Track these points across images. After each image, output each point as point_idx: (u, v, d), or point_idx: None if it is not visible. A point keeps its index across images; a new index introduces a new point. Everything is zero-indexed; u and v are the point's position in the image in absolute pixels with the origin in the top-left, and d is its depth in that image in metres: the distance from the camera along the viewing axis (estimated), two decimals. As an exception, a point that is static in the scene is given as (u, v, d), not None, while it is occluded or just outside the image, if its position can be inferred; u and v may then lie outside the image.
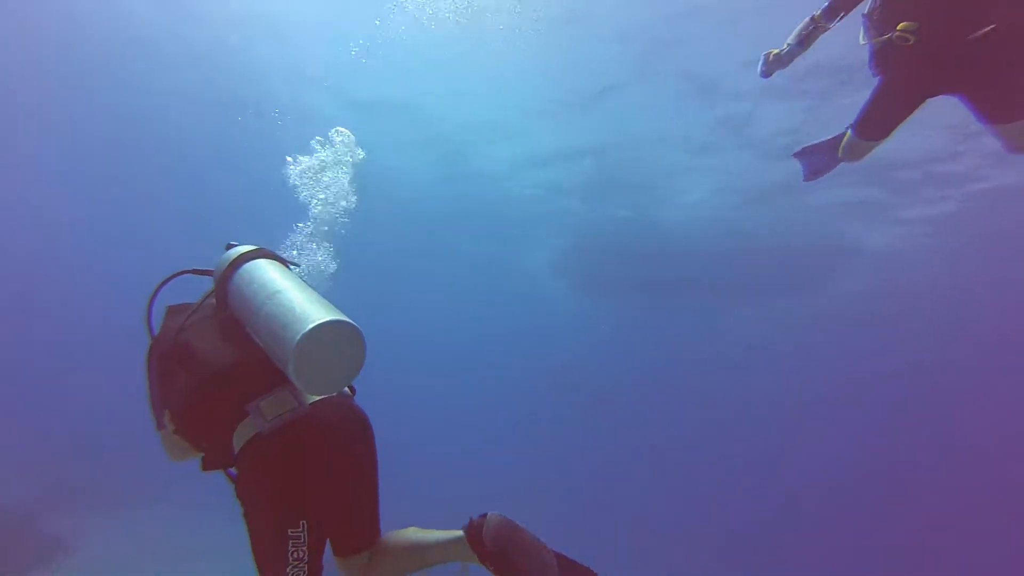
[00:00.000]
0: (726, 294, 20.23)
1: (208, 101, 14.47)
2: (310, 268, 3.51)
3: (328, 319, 1.70)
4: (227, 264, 2.06)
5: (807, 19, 3.11)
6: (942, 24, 2.57)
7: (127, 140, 16.91)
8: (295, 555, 1.75)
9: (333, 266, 3.63)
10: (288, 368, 1.68)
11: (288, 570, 1.75)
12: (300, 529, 1.77)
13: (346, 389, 2.09)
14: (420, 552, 1.98)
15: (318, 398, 1.92)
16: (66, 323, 23.00)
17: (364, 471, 2.02)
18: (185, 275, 2.26)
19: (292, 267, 2.18)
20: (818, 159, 3.81)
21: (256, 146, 15.44)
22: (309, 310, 1.74)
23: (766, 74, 3.32)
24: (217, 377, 1.88)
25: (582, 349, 26.06)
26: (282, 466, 1.80)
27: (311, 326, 1.67)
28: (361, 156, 4.11)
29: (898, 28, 2.63)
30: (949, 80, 2.77)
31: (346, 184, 3.90)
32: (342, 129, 4.01)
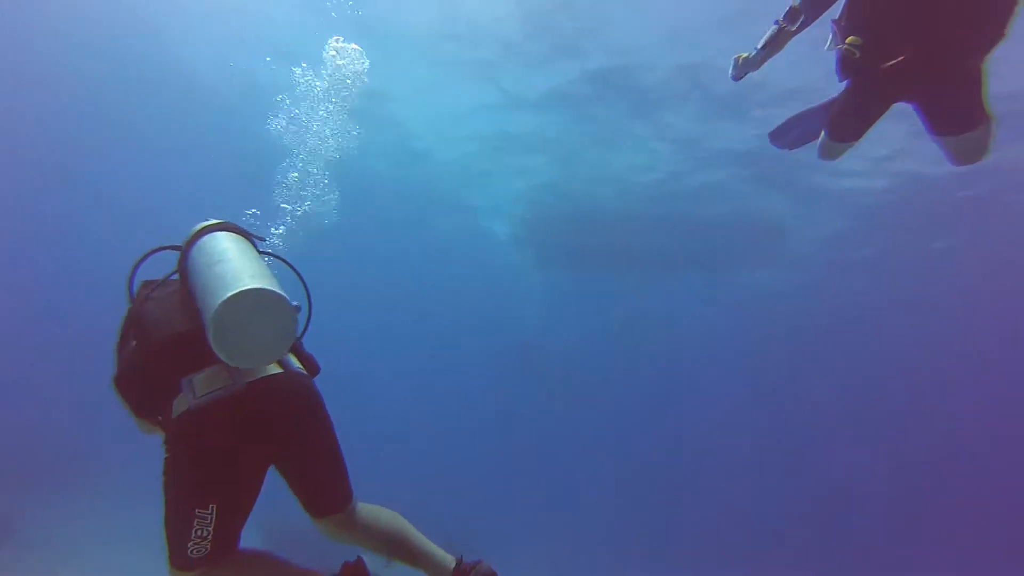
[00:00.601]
0: (693, 266, 20.39)
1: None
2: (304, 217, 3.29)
3: (249, 286, 1.59)
4: (189, 238, 2.05)
5: (774, 23, 3.17)
6: (872, 47, 2.78)
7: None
8: (199, 533, 1.76)
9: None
10: (208, 336, 1.59)
11: (189, 545, 1.76)
12: (208, 510, 1.77)
13: (296, 365, 2.03)
14: (405, 549, 2.09)
15: (258, 376, 1.87)
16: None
17: (311, 448, 2.01)
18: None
19: (256, 240, 2.15)
20: (806, 127, 3.80)
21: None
22: (238, 278, 1.64)
23: (737, 77, 3.38)
24: (157, 346, 1.86)
25: (548, 323, 26.16)
26: (199, 444, 1.79)
27: (230, 293, 1.58)
28: (366, 80, 3.76)
29: (846, 41, 2.83)
30: (899, 91, 2.95)
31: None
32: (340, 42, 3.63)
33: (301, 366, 2.07)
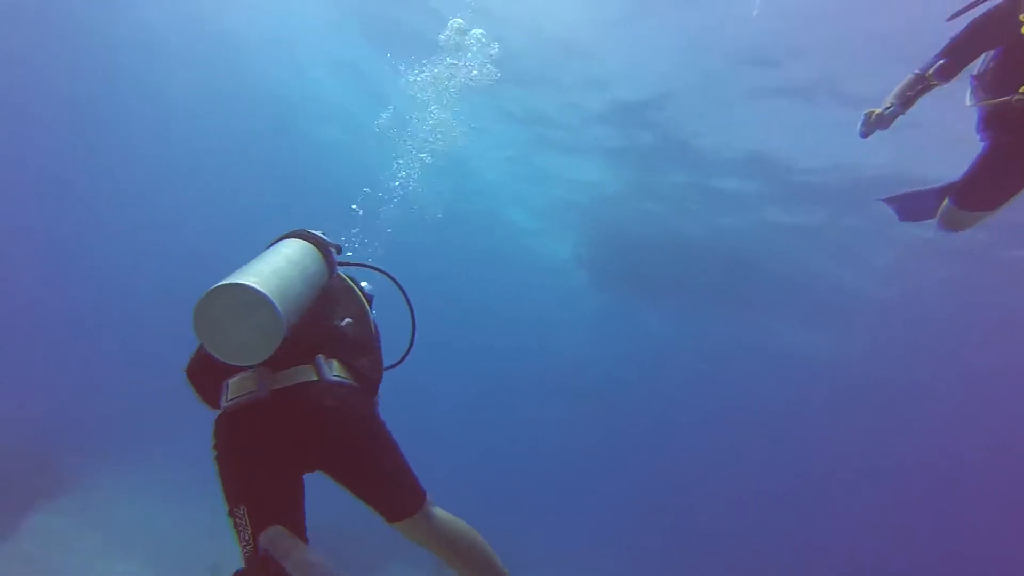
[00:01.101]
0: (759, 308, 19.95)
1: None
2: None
3: (225, 282, 1.55)
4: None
5: (911, 76, 2.82)
6: None
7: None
8: (242, 535, 1.75)
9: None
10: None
11: (242, 547, 1.76)
12: (240, 511, 1.75)
13: (336, 376, 1.93)
14: (473, 562, 2.01)
15: (288, 384, 1.84)
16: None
17: (350, 460, 1.92)
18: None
19: (331, 250, 2.11)
20: (915, 204, 3.53)
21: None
22: (233, 275, 1.62)
23: (865, 134, 3.07)
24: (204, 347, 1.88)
25: (600, 345, 25.91)
26: (225, 447, 1.81)
27: (211, 288, 1.55)
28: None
29: (1020, 91, 2.47)
30: None
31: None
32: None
33: (347, 376, 1.96)
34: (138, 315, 21.54)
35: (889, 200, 3.69)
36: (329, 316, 2.07)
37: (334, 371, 1.91)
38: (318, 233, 2.12)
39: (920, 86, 2.81)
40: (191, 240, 23.27)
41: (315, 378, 1.86)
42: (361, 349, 2.06)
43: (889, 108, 2.89)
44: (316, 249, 2.02)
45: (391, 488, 1.98)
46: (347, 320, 2.04)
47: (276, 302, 1.56)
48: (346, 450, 1.90)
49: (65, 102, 18.64)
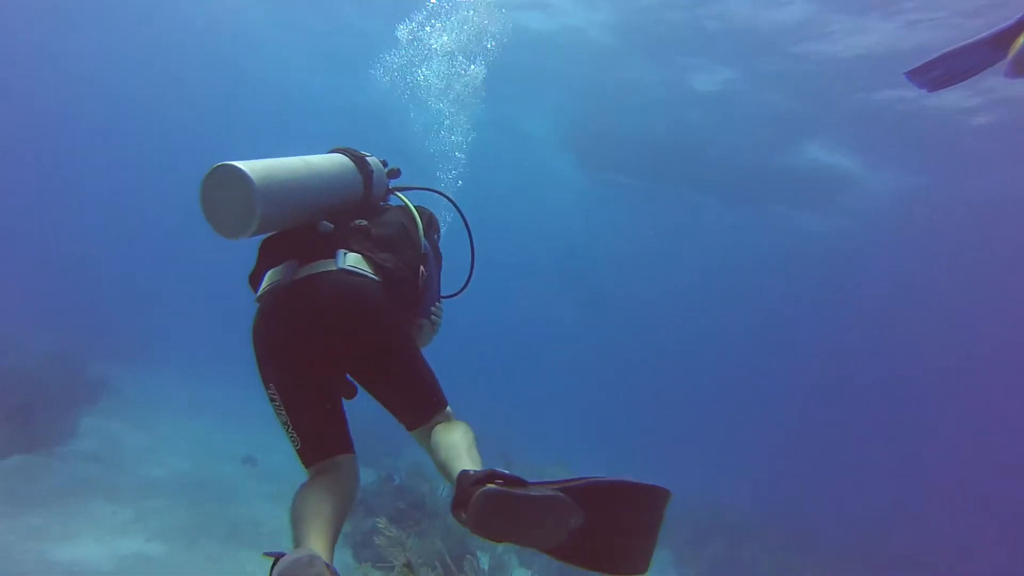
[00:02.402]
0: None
1: None
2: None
3: (219, 164, 1.69)
4: None
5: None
6: None
7: None
8: (281, 418, 1.86)
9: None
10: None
11: (289, 435, 1.87)
12: (272, 392, 1.85)
13: (352, 265, 1.91)
14: (448, 465, 1.70)
15: (308, 274, 1.89)
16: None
17: (365, 354, 1.91)
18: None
19: (365, 159, 2.23)
20: (960, 62, 3.21)
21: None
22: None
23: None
24: (270, 239, 2.03)
25: (589, 229, 26.08)
26: (256, 332, 1.89)
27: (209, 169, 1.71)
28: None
29: None
30: None
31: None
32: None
33: (366, 268, 1.94)
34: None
35: (921, 72, 3.21)
36: (381, 222, 2.14)
37: (349, 262, 1.92)
38: (363, 152, 2.26)
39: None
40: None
41: (332, 268, 1.89)
42: (385, 245, 2.05)
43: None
44: (351, 161, 2.16)
45: (406, 389, 1.93)
46: (364, 221, 2.07)
47: (255, 180, 1.67)
48: (359, 343, 1.88)
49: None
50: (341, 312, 1.84)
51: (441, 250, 2.53)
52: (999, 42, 2.91)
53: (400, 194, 2.43)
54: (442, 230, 2.64)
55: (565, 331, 29.11)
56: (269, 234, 1.98)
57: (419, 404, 1.94)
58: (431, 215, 2.44)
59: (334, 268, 1.88)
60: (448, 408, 1.98)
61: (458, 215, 2.65)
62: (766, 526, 11.05)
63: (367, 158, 2.25)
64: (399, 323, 2.00)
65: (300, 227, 1.96)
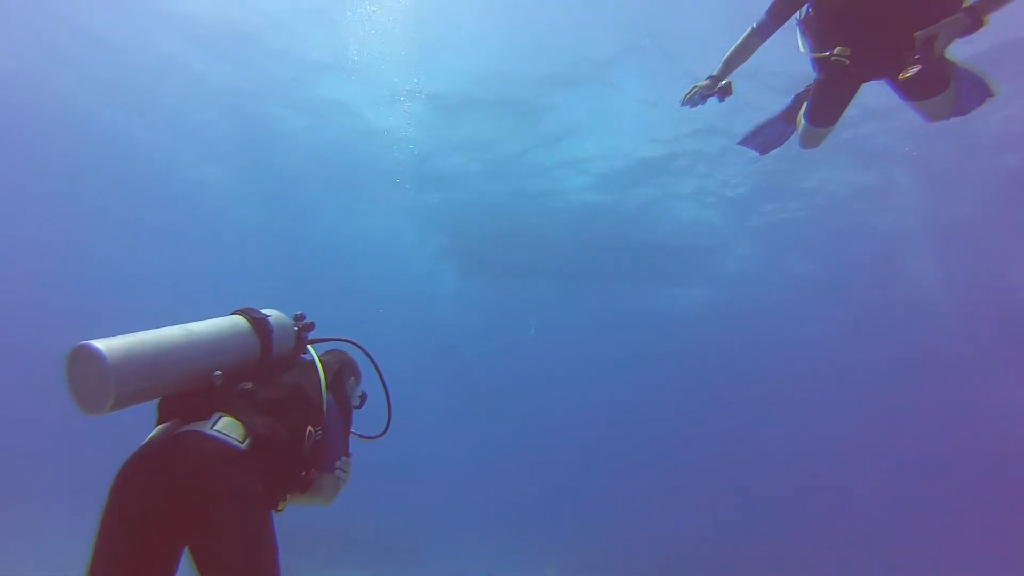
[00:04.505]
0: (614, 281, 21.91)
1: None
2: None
3: (79, 343, 1.73)
4: None
5: (749, 30, 3.42)
6: (857, 54, 3.07)
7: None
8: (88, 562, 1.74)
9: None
10: None
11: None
12: (97, 537, 1.76)
13: (218, 433, 1.85)
14: None
15: (153, 434, 1.92)
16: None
17: (189, 530, 1.76)
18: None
19: (260, 320, 2.23)
20: (770, 133, 4.11)
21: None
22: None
23: (684, 104, 3.62)
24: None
25: (468, 330, 26.97)
26: (114, 478, 1.82)
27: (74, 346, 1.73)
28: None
29: (835, 52, 3.09)
30: (878, 73, 3.27)
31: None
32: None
33: (237, 434, 1.87)
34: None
35: (748, 140, 4.19)
36: (271, 382, 2.12)
37: (218, 426, 1.86)
38: (265, 311, 2.26)
39: (753, 42, 3.39)
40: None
41: (197, 431, 1.83)
42: (267, 409, 2.00)
43: (701, 89, 3.52)
44: (247, 324, 2.17)
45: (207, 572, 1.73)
46: (250, 384, 2.03)
47: (109, 359, 1.68)
48: (172, 505, 1.73)
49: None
50: (174, 476, 1.74)
51: (366, 392, 2.63)
52: (788, 118, 3.97)
53: (312, 347, 2.44)
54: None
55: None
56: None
57: None
58: (341, 368, 2.47)
59: (199, 431, 1.83)
60: None
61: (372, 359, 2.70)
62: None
63: (268, 318, 2.24)
64: (234, 496, 1.77)
65: (196, 386, 1.96)
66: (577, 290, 22.86)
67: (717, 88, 3.51)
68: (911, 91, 3.29)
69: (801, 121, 3.76)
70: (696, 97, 3.54)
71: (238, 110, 14.40)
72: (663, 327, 25.57)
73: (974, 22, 2.67)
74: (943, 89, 3.22)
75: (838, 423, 25.65)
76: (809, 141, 3.81)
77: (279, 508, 2.02)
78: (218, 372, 1.99)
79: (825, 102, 3.55)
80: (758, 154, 4.28)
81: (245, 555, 1.72)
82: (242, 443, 1.86)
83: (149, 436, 1.91)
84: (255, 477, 1.84)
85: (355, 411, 2.57)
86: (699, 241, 18.89)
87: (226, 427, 1.87)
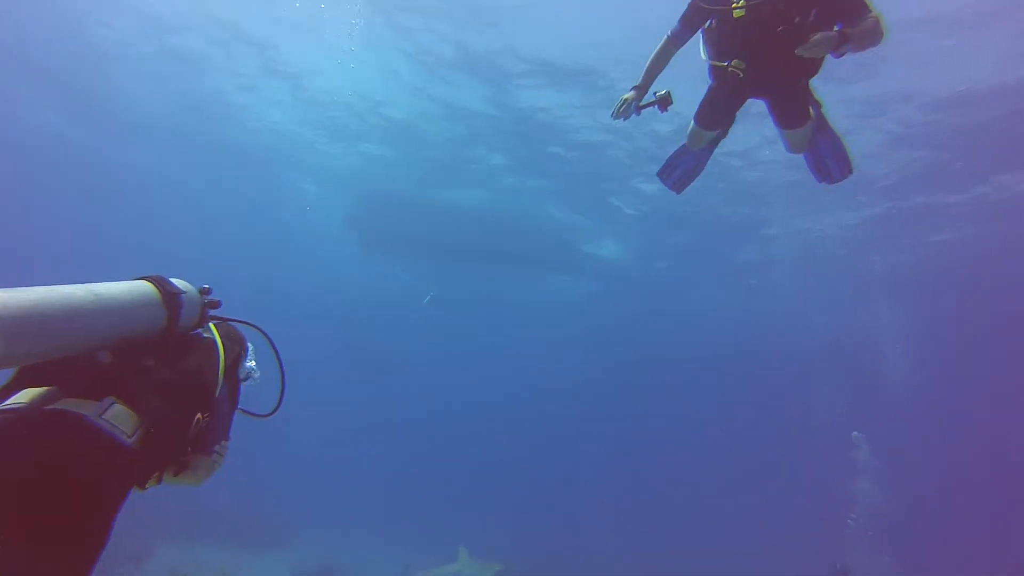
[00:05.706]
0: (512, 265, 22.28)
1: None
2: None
3: None
4: None
5: (664, 38, 3.72)
6: (763, 70, 3.50)
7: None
8: None
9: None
10: None
11: None
12: None
13: (116, 428, 1.60)
14: None
15: (58, 407, 1.58)
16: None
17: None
18: None
19: (173, 292, 1.98)
20: (685, 163, 4.42)
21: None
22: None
23: (615, 117, 3.78)
24: None
25: (370, 303, 26.62)
26: None
27: None
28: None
29: (732, 64, 3.49)
30: (754, 92, 3.74)
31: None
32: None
33: (127, 426, 1.63)
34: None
35: (665, 174, 4.48)
36: (172, 362, 1.92)
37: (109, 415, 1.61)
38: (175, 281, 2.04)
39: (670, 49, 3.70)
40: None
41: (86, 414, 1.57)
42: (163, 393, 1.83)
43: (630, 100, 3.71)
44: (156, 294, 1.91)
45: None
46: (152, 362, 1.86)
47: (2, 314, 1.40)
48: (19, 492, 1.38)
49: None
50: (31, 462, 1.44)
51: (256, 369, 2.50)
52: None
53: (214, 326, 2.25)
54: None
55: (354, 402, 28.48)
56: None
57: None
58: (240, 352, 2.32)
59: (84, 416, 1.57)
60: None
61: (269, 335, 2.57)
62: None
63: (182, 294, 2.01)
64: (86, 512, 1.49)
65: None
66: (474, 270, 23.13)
67: (657, 99, 3.67)
68: (782, 118, 3.79)
69: (691, 123, 4.05)
70: (629, 109, 3.68)
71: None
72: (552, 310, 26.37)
73: (842, 39, 3.07)
74: (804, 123, 3.74)
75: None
76: (694, 141, 4.13)
77: (145, 487, 1.82)
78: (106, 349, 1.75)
79: (715, 108, 3.88)
80: (675, 193, 4.59)
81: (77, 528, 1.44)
82: (130, 437, 1.62)
83: (14, 397, 1.58)
84: (128, 475, 1.63)
85: (243, 384, 2.38)
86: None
87: (117, 418, 1.62)
